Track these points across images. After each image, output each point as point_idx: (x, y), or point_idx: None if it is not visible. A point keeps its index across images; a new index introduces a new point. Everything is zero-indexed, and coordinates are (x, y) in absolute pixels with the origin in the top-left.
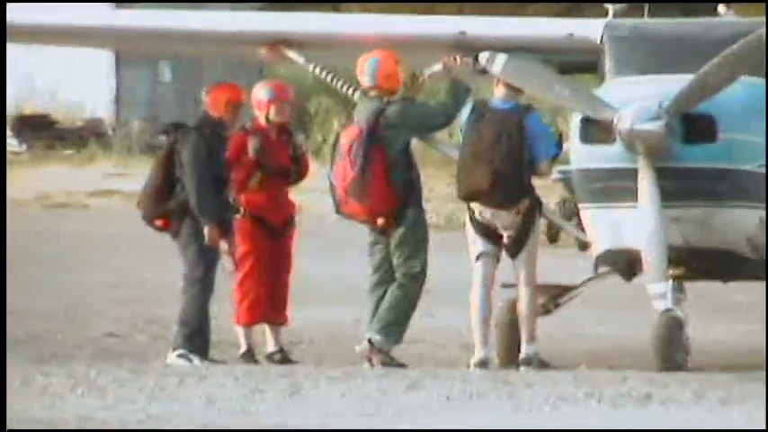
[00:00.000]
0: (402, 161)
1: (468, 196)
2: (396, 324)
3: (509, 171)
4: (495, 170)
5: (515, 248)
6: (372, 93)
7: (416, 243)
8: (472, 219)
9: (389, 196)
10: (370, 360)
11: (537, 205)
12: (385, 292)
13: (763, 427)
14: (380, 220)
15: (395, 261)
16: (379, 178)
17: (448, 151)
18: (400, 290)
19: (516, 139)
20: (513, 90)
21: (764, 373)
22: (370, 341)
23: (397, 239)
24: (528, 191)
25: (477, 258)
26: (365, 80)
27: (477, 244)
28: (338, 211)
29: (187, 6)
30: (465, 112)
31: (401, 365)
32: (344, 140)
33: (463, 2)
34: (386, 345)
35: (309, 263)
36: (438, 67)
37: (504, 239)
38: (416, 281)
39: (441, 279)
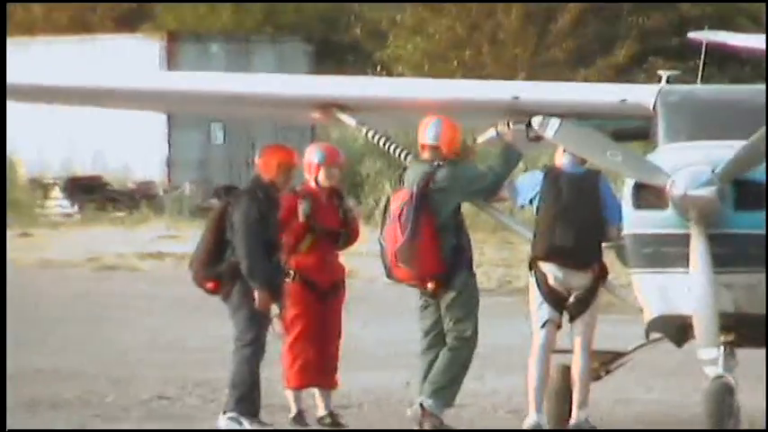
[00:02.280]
0: (451, 226)
1: (548, 255)
2: (447, 387)
3: (591, 231)
4: (578, 229)
5: (578, 310)
6: (426, 154)
7: (467, 307)
8: (541, 284)
9: (438, 261)
10: (421, 424)
11: (605, 271)
12: (436, 355)
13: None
14: (430, 285)
15: (446, 325)
16: (428, 243)
17: (499, 216)
18: (451, 353)
19: (593, 201)
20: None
21: None
22: (421, 405)
23: (447, 303)
24: (601, 254)
25: (543, 325)
26: (427, 137)
27: (543, 310)
28: (389, 276)
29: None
30: (536, 177)
31: (452, 431)
32: (395, 204)
33: None
34: (437, 408)
35: (359, 326)
36: (491, 132)
37: (570, 300)
38: (468, 344)
39: (491, 343)
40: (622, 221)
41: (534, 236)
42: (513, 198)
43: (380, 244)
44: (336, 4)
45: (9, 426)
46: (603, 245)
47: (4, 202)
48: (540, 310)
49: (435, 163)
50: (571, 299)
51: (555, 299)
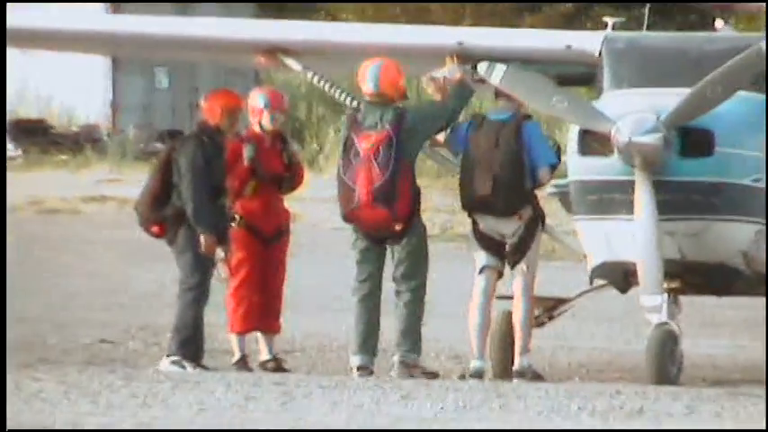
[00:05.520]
0: (413, 169)
1: (471, 205)
2: (420, 335)
3: (509, 177)
4: (495, 176)
5: (515, 256)
6: (376, 99)
7: (424, 252)
8: (476, 231)
9: (410, 203)
10: (412, 376)
11: (539, 216)
12: (375, 302)
13: (763, 427)
14: (399, 226)
15: (402, 270)
16: (404, 183)
17: (446, 162)
18: (418, 301)
19: (513, 145)
20: (512, 102)
21: (761, 389)
22: (404, 361)
23: (408, 249)
24: (529, 199)
25: (481, 271)
26: (368, 86)
27: (480, 257)
28: (348, 217)
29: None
30: (463, 126)
31: (432, 373)
32: (365, 144)
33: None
34: (417, 358)
35: (303, 271)
36: (441, 72)
37: (506, 248)
38: (424, 289)
39: (433, 290)
40: (554, 164)
41: (459, 186)
42: (449, 146)
43: (344, 183)
44: None
45: None
46: (537, 189)
47: (5, 178)
48: (477, 257)
49: (400, 105)
50: (507, 247)
51: (490, 245)
